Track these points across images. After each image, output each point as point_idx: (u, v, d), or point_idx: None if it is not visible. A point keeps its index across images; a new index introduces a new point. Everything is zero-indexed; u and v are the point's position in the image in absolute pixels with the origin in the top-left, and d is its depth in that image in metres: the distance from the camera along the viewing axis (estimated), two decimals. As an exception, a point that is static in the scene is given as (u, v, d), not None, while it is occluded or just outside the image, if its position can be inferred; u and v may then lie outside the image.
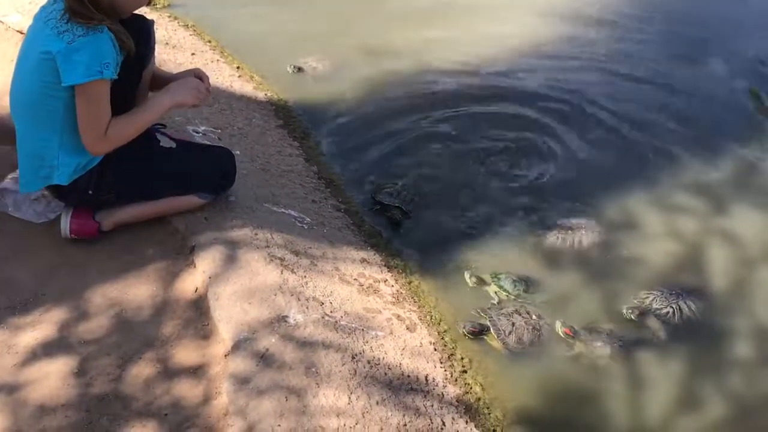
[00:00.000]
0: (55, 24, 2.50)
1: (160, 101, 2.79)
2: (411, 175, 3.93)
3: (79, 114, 2.57)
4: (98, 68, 2.47)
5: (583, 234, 3.55)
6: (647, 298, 3.26)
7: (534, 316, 3.12)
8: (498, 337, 3.02)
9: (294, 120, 4.35)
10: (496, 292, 3.27)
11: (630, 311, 3.21)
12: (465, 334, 3.04)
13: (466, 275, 3.32)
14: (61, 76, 2.48)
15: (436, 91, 4.70)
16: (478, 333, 3.06)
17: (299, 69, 4.80)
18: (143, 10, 2.84)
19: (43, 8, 2.62)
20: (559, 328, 3.13)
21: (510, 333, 3.04)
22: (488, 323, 3.08)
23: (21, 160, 2.77)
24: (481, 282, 3.31)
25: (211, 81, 4.37)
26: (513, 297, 3.23)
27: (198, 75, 2.99)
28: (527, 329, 3.06)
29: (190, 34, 5.04)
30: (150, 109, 2.78)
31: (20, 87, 2.69)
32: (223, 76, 4.58)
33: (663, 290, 3.27)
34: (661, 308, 3.20)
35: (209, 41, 5.03)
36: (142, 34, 2.84)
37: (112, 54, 2.52)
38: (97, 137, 2.61)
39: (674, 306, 3.18)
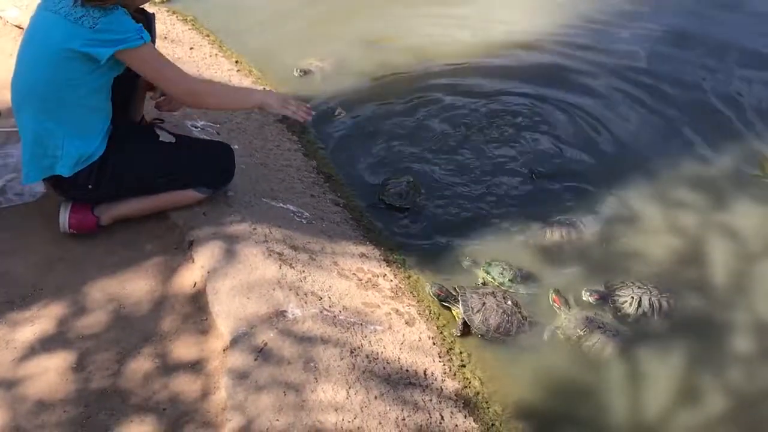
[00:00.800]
0: (68, 12, 2.49)
1: (252, 93, 2.88)
2: (411, 170, 3.93)
3: (156, 78, 2.68)
4: (136, 35, 2.53)
5: (583, 229, 3.54)
6: (614, 285, 3.26)
7: (509, 303, 3.10)
8: (464, 312, 3.01)
9: (293, 114, 4.33)
10: (483, 278, 3.29)
11: (589, 294, 3.22)
12: (430, 294, 3.11)
13: (462, 259, 3.37)
14: (98, 56, 2.50)
15: (436, 86, 4.68)
16: (444, 298, 3.10)
17: (305, 72, 4.73)
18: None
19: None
20: (551, 294, 3.18)
21: (477, 311, 3.01)
22: (459, 296, 3.08)
23: (24, 150, 2.76)
24: (476, 265, 3.34)
25: (209, 75, 4.40)
26: (497, 284, 3.24)
27: None
28: (497, 312, 3.03)
29: (189, 28, 5.03)
30: (242, 92, 2.84)
31: (29, 78, 2.66)
32: (222, 70, 4.56)
33: (636, 282, 3.25)
34: (620, 296, 3.20)
35: (208, 35, 5.02)
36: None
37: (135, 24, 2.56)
38: (184, 78, 2.71)
39: (635, 297, 3.17)
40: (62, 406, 2.33)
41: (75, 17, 2.48)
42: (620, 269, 3.37)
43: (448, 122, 4.33)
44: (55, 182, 2.83)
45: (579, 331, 3.03)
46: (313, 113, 2.96)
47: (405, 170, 3.92)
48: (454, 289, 3.15)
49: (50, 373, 2.43)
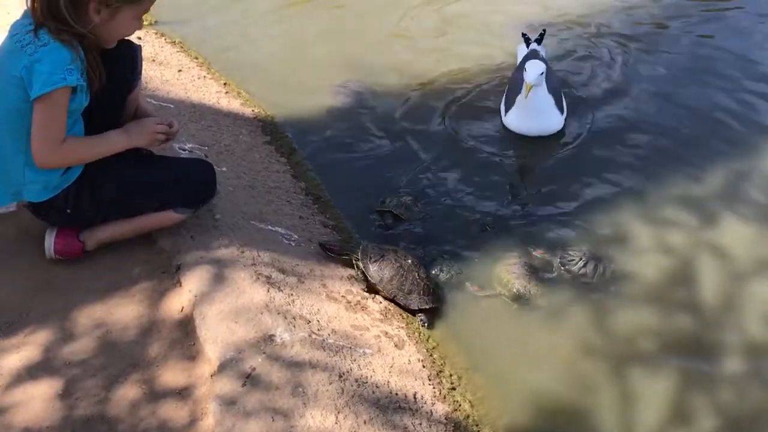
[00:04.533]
0: (20, 38, 2.47)
1: (116, 140, 2.75)
2: (402, 189, 3.91)
3: (36, 121, 2.49)
4: (61, 75, 2.43)
5: (571, 251, 3.52)
6: (569, 248, 3.49)
7: (409, 261, 3.20)
8: (361, 260, 3.17)
9: (281, 136, 4.34)
10: None
11: (541, 255, 3.44)
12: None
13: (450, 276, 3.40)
14: (29, 92, 2.44)
15: (425, 103, 4.68)
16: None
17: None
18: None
19: (14, 23, 2.58)
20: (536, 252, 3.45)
21: (375, 261, 3.15)
22: (361, 246, 3.24)
23: None
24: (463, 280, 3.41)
25: (197, 98, 4.39)
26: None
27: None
28: (393, 266, 3.14)
29: (177, 51, 5.03)
30: (106, 142, 2.73)
31: None
32: (210, 92, 4.57)
33: (586, 250, 3.47)
34: (569, 255, 3.43)
35: (196, 57, 5.03)
36: (128, 60, 2.83)
37: (76, 61, 2.48)
38: (52, 147, 2.53)
39: (584, 259, 3.38)
40: (48, 434, 2.30)
41: (23, 44, 2.45)
42: (610, 291, 3.35)
43: (439, 140, 4.33)
44: (33, 207, 2.81)
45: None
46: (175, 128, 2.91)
47: (396, 193, 3.89)
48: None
49: (36, 401, 2.41)
